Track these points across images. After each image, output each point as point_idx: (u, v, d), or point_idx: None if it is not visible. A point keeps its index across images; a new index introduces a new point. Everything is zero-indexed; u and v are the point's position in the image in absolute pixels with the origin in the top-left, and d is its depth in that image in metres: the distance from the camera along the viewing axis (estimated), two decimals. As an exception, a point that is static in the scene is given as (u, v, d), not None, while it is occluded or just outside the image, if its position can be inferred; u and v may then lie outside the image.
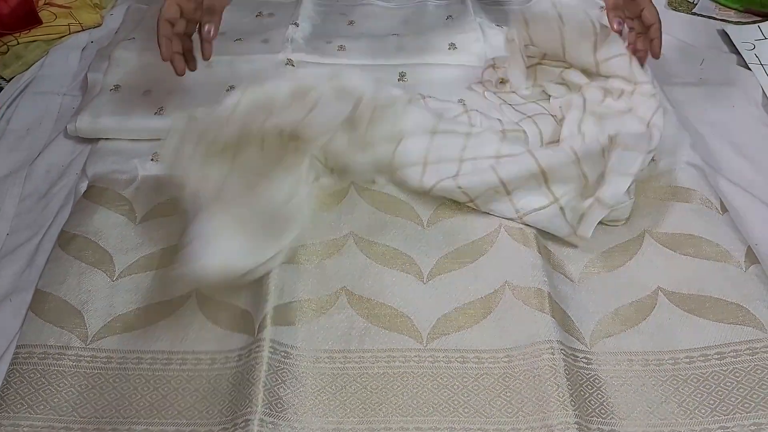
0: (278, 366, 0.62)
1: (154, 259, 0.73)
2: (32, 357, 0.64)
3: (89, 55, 1.02)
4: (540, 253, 0.71)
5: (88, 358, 0.64)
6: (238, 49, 0.96)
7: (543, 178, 0.73)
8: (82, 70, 0.99)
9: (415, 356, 0.65)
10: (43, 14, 1.07)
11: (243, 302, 0.68)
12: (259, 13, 1.08)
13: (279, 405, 0.60)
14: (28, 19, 1.04)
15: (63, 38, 1.07)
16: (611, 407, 0.61)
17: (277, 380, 0.61)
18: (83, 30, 1.08)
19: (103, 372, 0.64)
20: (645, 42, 0.81)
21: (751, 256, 0.70)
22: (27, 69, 1.01)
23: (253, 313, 0.66)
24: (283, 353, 0.63)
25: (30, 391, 0.62)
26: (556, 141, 0.80)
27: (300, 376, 0.62)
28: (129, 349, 0.65)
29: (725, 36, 1.04)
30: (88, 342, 0.66)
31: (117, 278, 0.71)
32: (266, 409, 0.59)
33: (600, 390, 0.62)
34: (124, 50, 0.95)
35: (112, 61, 0.94)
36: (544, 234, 0.74)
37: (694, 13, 1.10)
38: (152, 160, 0.83)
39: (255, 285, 0.69)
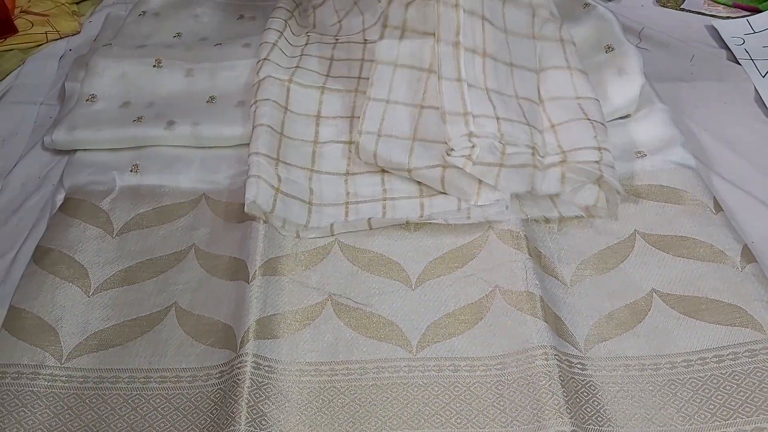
0: (262, 381, 0.60)
1: (131, 272, 0.71)
2: (5, 377, 0.62)
3: (68, 63, 1.00)
4: (530, 255, 0.69)
5: (64, 378, 0.62)
6: (218, 54, 0.94)
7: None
8: (60, 78, 0.97)
9: (405, 366, 0.63)
10: (19, 23, 1.05)
11: (224, 316, 0.66)
12: (241, 16, 1.06)
13: (263, 422, 0.58)
14: (4, 28, 1.02)
15: (40, 47, 1.04)
16: (608, 414, 0.59)
17: (260, 396, 0.59)
18: (61, 38, 1.06)
19: (79, 392, 0.61)
20: None
21: (748, 255, 0.69)
22: (3, 79, 0.99)
23: (234, 327, 0.65)
24: (266, 368, 0.61)
25: (3, 413, 0.59)
26: None
27: (285, 391, 0.60)
28: (106, 368, 0.63)
29: (714, 31, 1.03)
30: (63, 360, 0.63)
31: (93, 293, 0.69)
32: (250, 427, 0.57)
33: (596, 396, 0.60)
34: (101, 57, 0.92)
35: (89, 70, 0.91)
36: (534, 236, 0.72)
37: (683, 9, 1.09)
38: (131, 171, 0.81)
39: (236, 297, 0.67)
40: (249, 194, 0.72)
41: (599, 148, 0.74)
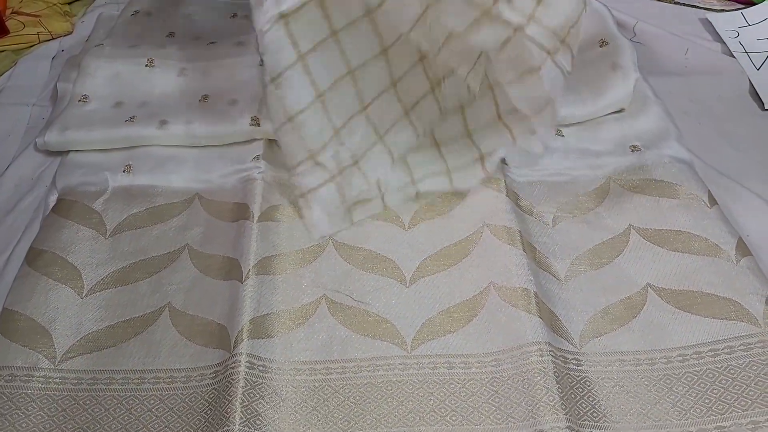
0: (256, 381, 0.60)
1: (124, 273, 0.71)
2: (-2, 380, 0.61)
3: (60, 64, 0.99)
4: (525, 251, 0.69)
5: (58, 380, 0.62)
6: (211, 53, 0.94)
7: None
8: (52, 79, 0.97)
9: (400, 364, 0.63)
10: (11, 23, 1.04)
11: (218, 316, 0.66)
12: (234, 14, 1.06)
13: (257, 421, 0.58)
14: (-5, 29, 1.02)
15: (32, 47, 1.04)
16: (603, 410, 0.59)
17: (255, 396, 0.59)
18: (53, 38, 1.05)
19: (73, 394, 0.61)
20: None
21: (743, 249, 0.68)
22: (-5, 80, 0.98)
23: (228, 327, 0.64)
24: (260, 367, 0.61)
25: (-4, 416, 0.59)
26: None
27: (279, 391, 0.60)
28: (100, 369, 0.63)
29: (708, 25, 1.03)
30: (56, 362, 0.63)
31: (86, 295, 0.68)
32: (244, 426, 0.57)
33: (591, 392, 0.60)
34: (93, 58, 0.92)
35: (81, 70, 0.91)
36: (528, 231, 0.72)
37: (677, 3, 1.09)
38: (123, 171, 0.80)
39: (230, 297, 0.67)
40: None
41: (563, 41, 0.71)
